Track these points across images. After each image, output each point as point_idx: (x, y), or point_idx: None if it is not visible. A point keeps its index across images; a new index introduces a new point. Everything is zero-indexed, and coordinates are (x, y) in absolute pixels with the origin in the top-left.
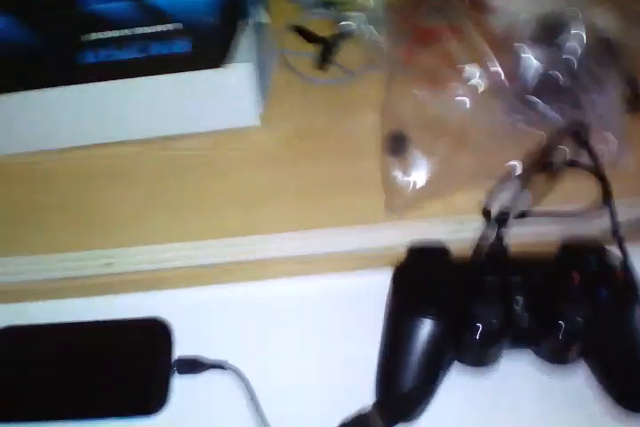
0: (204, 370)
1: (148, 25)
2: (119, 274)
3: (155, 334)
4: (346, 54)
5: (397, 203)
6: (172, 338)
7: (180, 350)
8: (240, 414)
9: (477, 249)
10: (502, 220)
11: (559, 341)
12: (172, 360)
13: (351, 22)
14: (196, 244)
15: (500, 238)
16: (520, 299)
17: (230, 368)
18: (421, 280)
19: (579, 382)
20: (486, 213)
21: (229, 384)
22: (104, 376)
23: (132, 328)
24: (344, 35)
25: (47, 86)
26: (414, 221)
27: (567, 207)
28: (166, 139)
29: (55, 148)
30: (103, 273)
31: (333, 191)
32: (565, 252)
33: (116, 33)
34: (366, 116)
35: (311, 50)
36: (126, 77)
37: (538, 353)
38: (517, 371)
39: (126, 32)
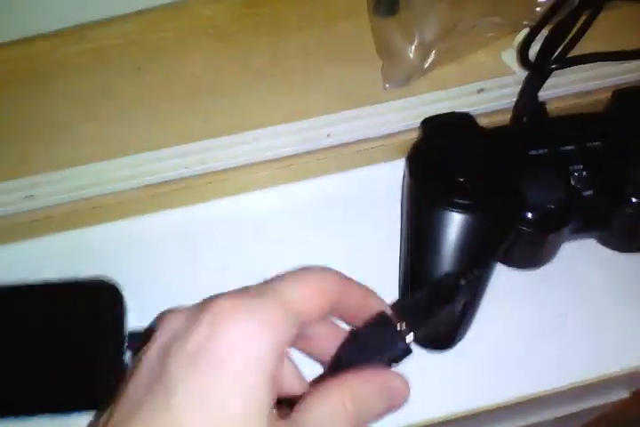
0: None
1: None
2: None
3: (100, 302)
4: None
5: (399, 73)
6: (123, 306)
7: (136, 314)
8: None
9: (516, 113)
10: (541, 71)
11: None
12: (124, 336)
13: None
14: (140, 157)
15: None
16: (579, 171)
17: None
18: (444, 161)
19: None
20: (524, 62)
21: None
22: (39, 367)
23: (71, 295)
24: None
25: None
26: (422, 94)
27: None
28: (82, 28)
29: None
30: (24, 209)
31: (311, 68)
32: (620, 103)
33: None
34: None
35: None
36: None
37: (605, 240)
38: (579, 264)
39: None
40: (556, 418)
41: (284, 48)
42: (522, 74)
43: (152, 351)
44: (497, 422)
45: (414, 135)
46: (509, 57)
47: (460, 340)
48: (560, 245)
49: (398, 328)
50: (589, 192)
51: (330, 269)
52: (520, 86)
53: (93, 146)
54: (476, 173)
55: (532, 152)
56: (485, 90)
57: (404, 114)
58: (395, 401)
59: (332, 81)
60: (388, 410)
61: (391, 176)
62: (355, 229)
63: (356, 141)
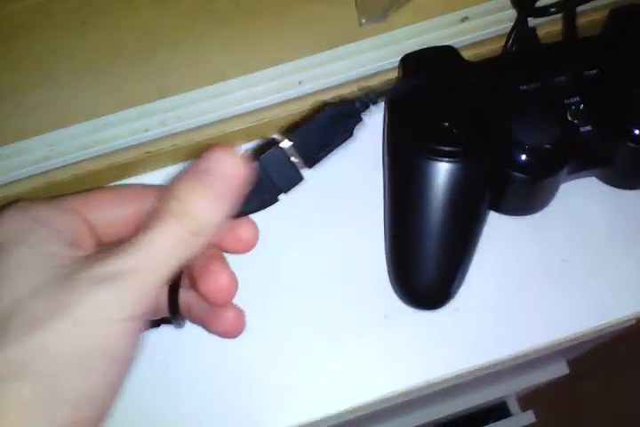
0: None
1: None
2: None
3: None
4: None
5: (375, 4)
6: None
7: None
8: None
9: (507, 43)
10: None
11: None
12: None
13: None
14: (93, 123)
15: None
16: (575, 104)
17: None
18: (426, 103)
19: None
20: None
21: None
22: None
23: None
24: None
25: None
26: (401, 28)
27: None
28: None
29: None
30: None
31: (278, 8)
32: (618, 24)
33: None
34: None
35: None
36: None
37: (604, 177)
38: (579, 204)
39: None
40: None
41: None
42: None
43: None
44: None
45: (395, 75)
46: None
47: (452, 296)
48: (557, 189)
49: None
50: (588, 128)
51: None
52: (506, 11)
53: (40, 114)
54: (461, 115)
55: (524, 87)
56: (470, 18)
57: (382, 52)
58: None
59: (303, 22)
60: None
61: (374, 123)
62: (336, 187)
63: (329, 87)
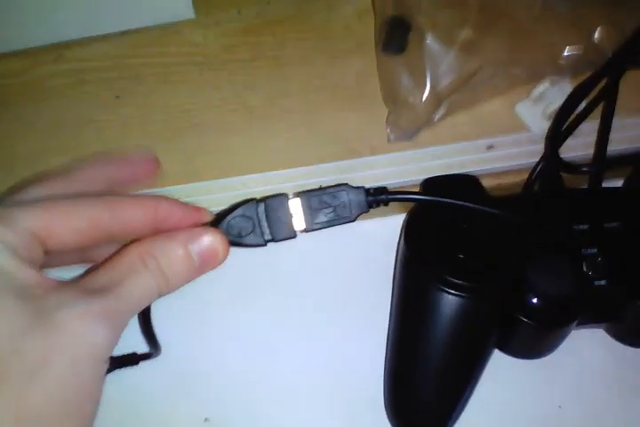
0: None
1: None
2: None
3: None
4: None
5: (406, 121)
6: None
7: None
8: None
9: (528, 183)
10: (558, 134)
11: None
12: None
13: None
14: None
15: (557, 164)
16: (593, 256)
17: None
18: (444, 233)
19: None
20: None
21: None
22: None
23: None
24: None
25: None
26: (429, 146)
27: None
28: (60, 47)
29: None
30: None
31: (310, 109)
32: None
33: None
34: None
35: None
36: None
37: (614, 332)
38: (584, 353)
39: None
40: None
41: (283, 84)
42: (536, 130)
43: None
44: None
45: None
46: (524, 110)
47: None
48: (565, 338)
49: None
50: (603, 282)
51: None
52: (533, 145)
53: None
54: (479, 250)
55: (542, 230)
56: (495, 147)
57: (405, 168)
58: (207, 258)
59: (332, 126)
60: (200, 269)
61: (389, 233)
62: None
63: None
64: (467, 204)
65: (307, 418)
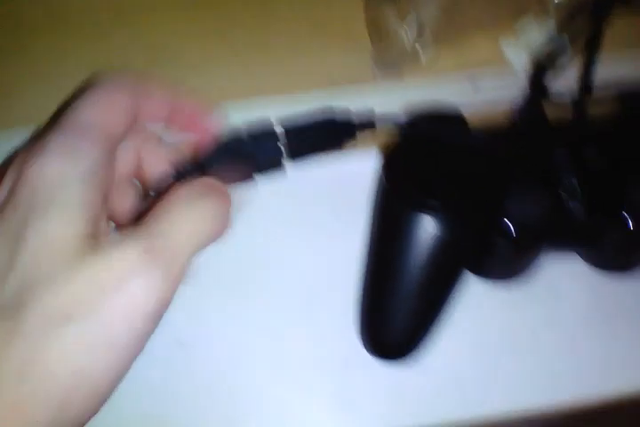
0: None
1: None
2: None
3: None
4: None
5: (390, 56)
6: None
7: None
8: None
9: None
10: (542, 69)
11: (626, 236)
12: None
13: None
14: None
15: (538, 96)
16: (570, 181)
17: None
18: (423, 160)
19: None
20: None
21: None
22: None
23: None
24: None
25: None
26: (413, 81)
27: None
28: None
29: None
30: None
31: (296, 47)
32: (626, 106)
33: None
34: None
35: None
36: None
37: (587, 257)
38: (558, 279)
39: None
40: None
41: (270, 24)
42: (520, 64)
43: None
44: None
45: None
46: (509, 44)
47: (416, 349)
48: (538, 259)
49: None
50: (578, 205)
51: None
52: (517, 79)
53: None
54: (454, 173)
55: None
56: (479, 80)
57: (389, 99)
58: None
59: (317, 64)
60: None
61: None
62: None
63: None
64: (452, 137)
65: (281, 346)
